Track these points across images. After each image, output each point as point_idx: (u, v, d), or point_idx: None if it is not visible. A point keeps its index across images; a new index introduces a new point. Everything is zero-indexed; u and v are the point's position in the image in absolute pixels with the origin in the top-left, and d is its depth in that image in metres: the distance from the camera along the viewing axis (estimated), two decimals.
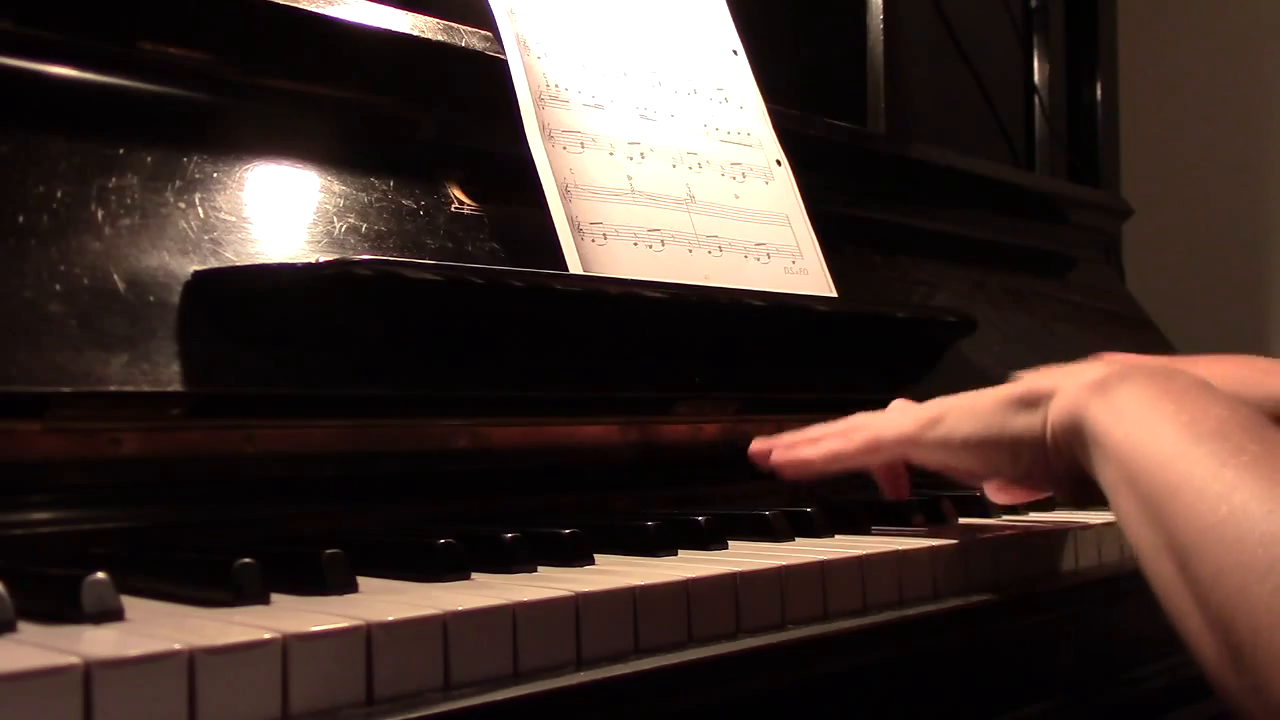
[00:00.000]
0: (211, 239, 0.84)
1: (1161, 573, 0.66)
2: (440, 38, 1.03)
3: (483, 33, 1.06)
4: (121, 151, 0.83)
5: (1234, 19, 2.43)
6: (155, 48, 0.88)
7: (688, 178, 1.11)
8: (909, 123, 1.60)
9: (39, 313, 0.73)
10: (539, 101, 1.03)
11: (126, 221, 0.80)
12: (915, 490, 0.98)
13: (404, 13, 1.01)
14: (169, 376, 0.77)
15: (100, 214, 0.79)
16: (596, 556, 0.75)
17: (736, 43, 1.24)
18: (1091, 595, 0.96)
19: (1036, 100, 1.94)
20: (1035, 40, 1.95)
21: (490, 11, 1.05)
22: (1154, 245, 2.23)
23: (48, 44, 0.82)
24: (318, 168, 0.94)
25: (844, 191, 1.40)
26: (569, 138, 1.03)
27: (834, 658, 0.73)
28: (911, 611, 0.78)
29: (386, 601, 0.59)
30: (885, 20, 1.58)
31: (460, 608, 0.57)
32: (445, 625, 0.56)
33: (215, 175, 0.87)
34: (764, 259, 1.13)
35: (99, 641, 0.50)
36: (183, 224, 0.83)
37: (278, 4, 0.93)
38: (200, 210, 0.85)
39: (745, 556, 0.76)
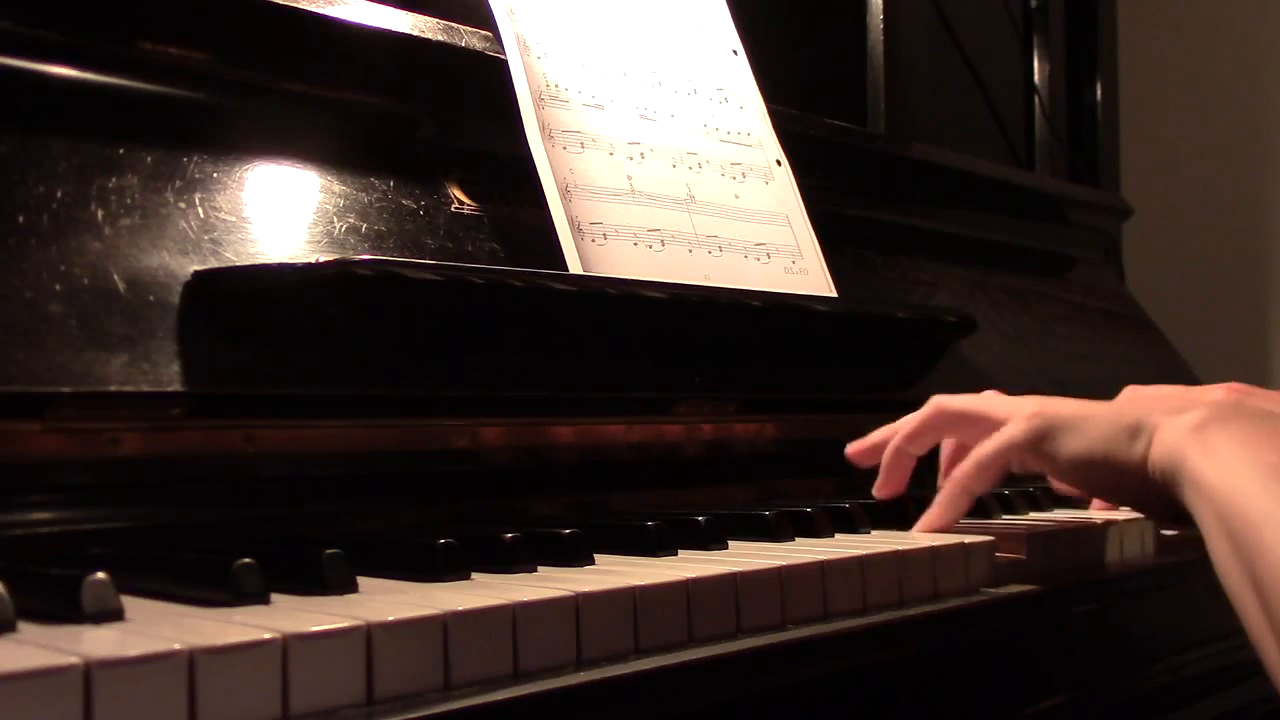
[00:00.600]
0: (211, 239, 0.84)
1: (1247, 610, 0.69)
2: (440, 38, 1.03)
3: (483, 33, 1.06)
4: (121, 151, 0.83)
5: (1234, 19, 2.43)
6: (155, 48, 0.88)
7: (688, 178, 1.11)
8: (909, 123, 1.60)
9: (39, 313, 0.73)
10: (539, 101, 1.03)
11: (126, 221, 0.80)
12: (915, 490, 0.98)
13: (404, 13, 1.01)
14: (169, 376, 0.77)
15: (100, 214, 0.79)
16: (596, 556, 0.75)
17: (736, 43, 1.24)
18: (1095, 595, 0.96)
19: (1036, 100, 1.94)
20: (1035, 40, 1.95)
21: (490, 11, 1.05)
22: (1154, 245, 2.23)
23: (48, 44, 0.82)
24: (318, 168, 0.94)
25: (844, 191, 1.40)
26: (569, 138, 1.03)
27: (834, 658, 0.73)
28: (911, 611, 0.78)
29: (386, 601, 0.59)
30: (885, 20, 1.58)
31: (460, 608, 0.57)
32: (445, 625, 0.56)
33: (215, 175, 0.87)
34: (764, 259, 1.13)
35: (99, 641, 0.50)
36: (183, 224, 0.83)
37: (278, 4, 0.93)
38: (200, 210, 0.85)
39: (745, 556, 0.76)
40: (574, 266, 0.98)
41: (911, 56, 1.64)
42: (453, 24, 1.04)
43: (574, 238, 0.99)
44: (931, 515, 0.92)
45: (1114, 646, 1.00)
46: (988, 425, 0.91)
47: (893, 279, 1.43)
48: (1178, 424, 0.79)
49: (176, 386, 0.77)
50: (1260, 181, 2.40)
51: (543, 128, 1.02)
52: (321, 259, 0.83)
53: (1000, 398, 0.95)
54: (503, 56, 1.04)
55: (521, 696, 0.56)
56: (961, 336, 1.31)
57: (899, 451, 0.97)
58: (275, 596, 0.60)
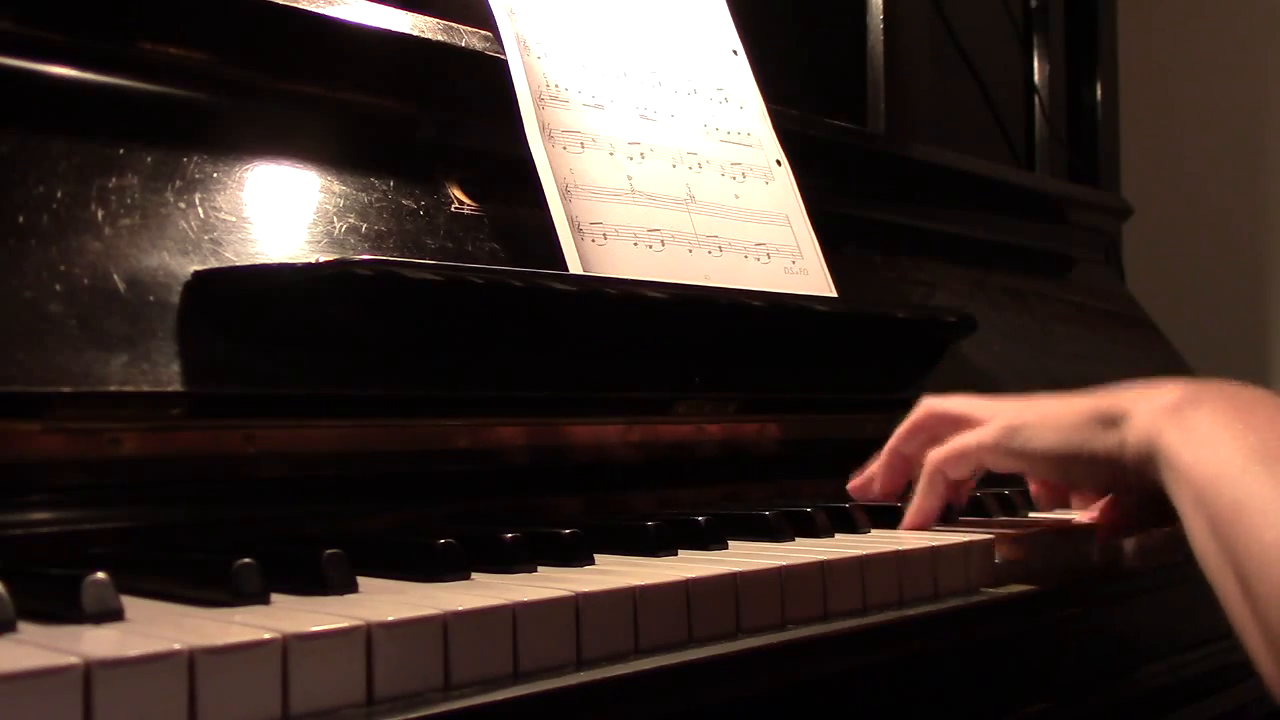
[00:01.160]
0: (211, 239, 0.84)
1: (1226, 590, 0.68)
2: (440, 38, 1.03)
3: (483, 33, 1.06)
4: (121, 151, 0.83)
5: (1234, 19, 2.43)
6: (155, 48, 0.88)
7: (688, 178, 1.11)
8: (909, 123, 1.60)
9: (39, 313, 0.73)
10: (539, 101, 1.03)
11: (126, 221, 0.80)
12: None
13: (404, 13, 1.01)
14: (169, 376, 0.77)
15: (100, 214, 0.79)
16: (596, 556, 0.75)
17: (736, 43, 1.24)
18: (1096, 595, 0.96)
19: (1036, 100, 1.94)
20: (1035, 40, 1.95)
21: (490, 11, 1.05)
22: (1154, 245, 2.23)
23: (48, 44, 0.82)
24: (317, 168, 0.94)
25: (844, 191, 1.40)
26: (569, 138, 1.03)
27: (834, 658, 0.73)
28: (911, 611, 0.78)
29: (386, 601, 0.59)
30: (885, 20, 1.58)
31: (460, 608, 0.57)
32: (445, 625, 0.56)
33: (215, 175, 0.87)
34: (764, 259, 1.13)
35: (99, 641, 0.50)
36: (183, 224, 0.83)
37: (278, 4, 0.93)
38: (200, 210, 0.85)
39: (745, 556, 0.76)
40: (574, 266, 0.98)
41: (911, 56, 1.64)
42: (452, 24, 1.04)
43: (574, 238, 0.99)
44: (914, 505, 0.93)
45: (1114, 646, 1.00)
46: (974, 426, 0.92)
47: (893, 279, 1.43)
48: (1152, 405, 0.78)
49: (176, 386, 0.77)
50: (1260, 181, 2.40)
51: (543, 128, 1.02)
52: (321, 259, 0.83)
53: (986, 401, 0.95)
54: (502, 56, 1.04)
55: (521, 696, 0.56)
56: (961, 336, 1.31)
57: (894, 452, 0.98)
58: (275, 596, 0.60)
